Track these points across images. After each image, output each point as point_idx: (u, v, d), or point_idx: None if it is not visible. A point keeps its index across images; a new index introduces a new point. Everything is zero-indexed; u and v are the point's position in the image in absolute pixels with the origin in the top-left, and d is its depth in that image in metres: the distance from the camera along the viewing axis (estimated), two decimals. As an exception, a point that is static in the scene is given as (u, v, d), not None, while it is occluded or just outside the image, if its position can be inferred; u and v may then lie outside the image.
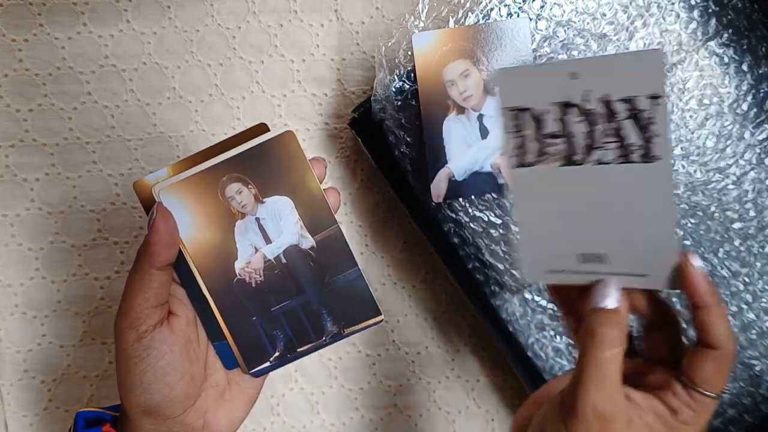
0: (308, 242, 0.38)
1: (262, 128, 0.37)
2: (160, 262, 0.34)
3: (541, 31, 0.49)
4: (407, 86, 0.49)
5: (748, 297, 0.50)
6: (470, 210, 0.50)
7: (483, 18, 0.49)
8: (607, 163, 0.31)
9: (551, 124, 0.32)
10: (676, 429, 0.32)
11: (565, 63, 0.32)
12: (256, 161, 0.37)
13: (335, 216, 0.38)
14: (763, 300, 0.50)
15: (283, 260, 0.38)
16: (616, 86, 0.30)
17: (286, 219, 0.37)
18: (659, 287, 0.33)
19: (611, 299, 0.32)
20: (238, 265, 0.37)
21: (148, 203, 0.37)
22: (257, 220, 0.37)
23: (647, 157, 0.31)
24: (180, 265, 0.37)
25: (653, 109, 0.30)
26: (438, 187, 0.49)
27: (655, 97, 0.30)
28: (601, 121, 0.31)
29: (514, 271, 0.51)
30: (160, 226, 0.34)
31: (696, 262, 0.32)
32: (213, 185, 0.36)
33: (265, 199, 0.37)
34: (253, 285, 0.37)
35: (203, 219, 0.37)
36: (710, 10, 0.50)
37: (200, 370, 0.37)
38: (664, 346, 0.36)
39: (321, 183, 0.38)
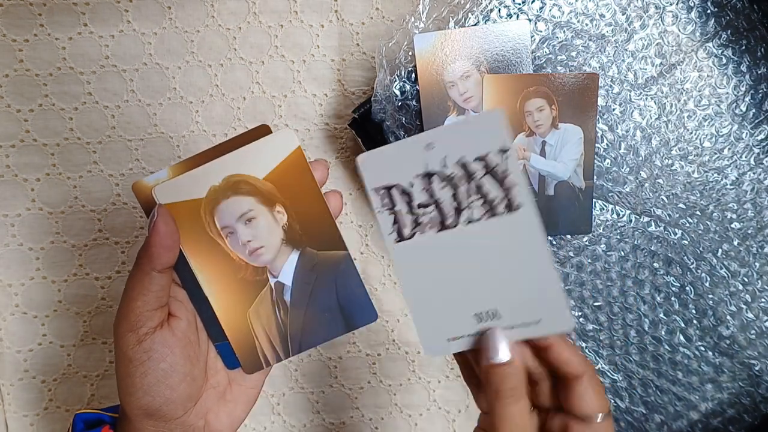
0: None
1: (264, 129, 0.37)
2: (161, 264, 0.34)
3: (541, 32, 0.49)
4: (407, 87, 0.49)
5: (747, 297, 0.51)
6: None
7: (483, 19, 0.49)
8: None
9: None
10: None
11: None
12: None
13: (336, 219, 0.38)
14: (762, 300, 0.51)
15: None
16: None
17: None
18: (555, 330, 0.33)
19: (503, 351, 0.33)
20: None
21: (148, 205, 0.36)
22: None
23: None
24: (181, 266, 0.37)
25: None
26: (438, 187, 0.49)
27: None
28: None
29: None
30: (160, 228, 0.34)
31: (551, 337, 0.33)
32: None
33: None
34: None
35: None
36: (709, 11, 0.50)
37: (201, 371, 0.37)
38: (547, 394, 0.36)
39: (322, 186, 0.38)
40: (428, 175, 0.33)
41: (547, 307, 0.33)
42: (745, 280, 0.51)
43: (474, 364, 0.36)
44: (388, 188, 0.34)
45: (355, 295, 0.39)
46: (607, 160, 0.50)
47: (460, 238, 0.33)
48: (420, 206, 0.34)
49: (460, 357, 0.37)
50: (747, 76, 0.50)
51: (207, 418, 0.37)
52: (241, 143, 0.37)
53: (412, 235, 0.34)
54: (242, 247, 0.37)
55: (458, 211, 0.33)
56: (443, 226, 0.34)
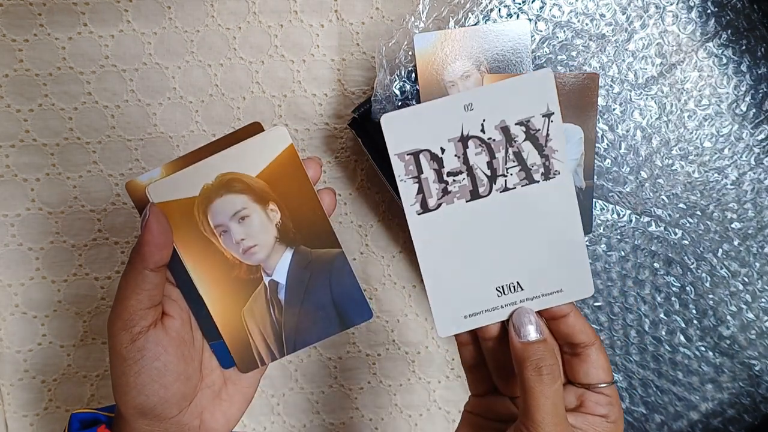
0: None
1: (256, 127, 0.37)
2: (154, 263, 0.34)
3: (541, 32, 0.49)
4: (407, 87, 0.49)
5: (748, 297, 0.51)
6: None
7: (483, 19, 0.49)
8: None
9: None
10: (614, 431, 0.34)
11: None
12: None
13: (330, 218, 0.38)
14: (762, 300, 0.51)
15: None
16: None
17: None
18: (577, 297, 0.33)
19: (536, 329, 0.33)
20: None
21: (142, 204, 0.36)
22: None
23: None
24: (175, 265, 0.36)
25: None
26: (438, 187, 0.49)
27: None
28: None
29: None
30: (153, 226, 0.34)
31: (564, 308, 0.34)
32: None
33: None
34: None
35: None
36: (709, 11, 0.50)
37: (195, 370, 0.37)
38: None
39: (315, 184, 0.37)
40: (464, 139, 0.31)
41: (570, 274, 0.32)
42: (746, 280, 0.51)
43: (482, 342, 0.36)
44: (416, 153, 0.32)
45: (350, 293, 0.39)
46: (608, 160, 0.50)
47: (490, 208, 0.32)
48: (450, 174, 0.32)
49: (462, 337, 0.37)
50: (747, 76, 0.50)
51: (202, 418, 0.37)
52: (234, 141, 0.36)
53: (438, 206, 0.33)
54: (236, 246, 0.37)
55: (492, 178, 0.32)
56: (474, 195, 0.32)
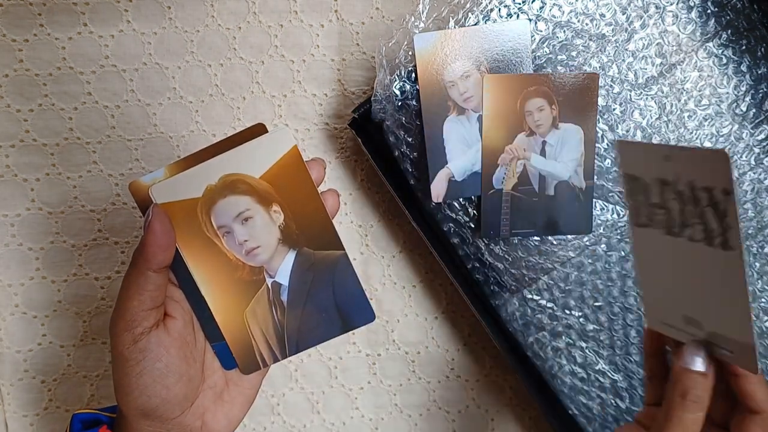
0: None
1: (260, 128, 0.37)
2: (156, 264, 0.34)
3: (541, 32, 0.49)
4: (407, 87, 0.49)
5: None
6: (470, 210, 0.50)
7: (483, 19, 0.49)
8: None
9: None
10: None
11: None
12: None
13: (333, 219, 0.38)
14: (763, 300, 0.51)
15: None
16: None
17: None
18: (742, 367, 0.34)
19: (700, 362, 0.34)
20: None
21: (145, 204, 0.36)
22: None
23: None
24: (177, 266, 0.36)
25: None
26: (438, 188, 0.49)
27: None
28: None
29: (513, 271, 0.51)
30: (156, 227, 0.34)
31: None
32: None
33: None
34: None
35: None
36: (709, 11, 0.50)
37: (198, 371, 0.37)
38: (715, 408, 0.36)
39: (318, 186, 0.37)
40: (663, 183, 0.34)
41: (738, 344, 0.34)
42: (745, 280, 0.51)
43: (664, 355, 0.38)
44: (634, 177, 0.35)
45: (353, 295, 0.38)
46: (608, 160, 0.50)
47: (680, 249, 0.34)
48: (654, 206, 0.35)
49: (649, 348, 0.39)
50: (747, 76, 0.50)
51: (204, 419, 0.37)
52: (238, 142, 0.36)
53: (645, 225, 0.36)
54: (239, 247, 0.37)
55: (683, 225, 0.34)
56: (669, 232, 0.35)
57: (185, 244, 0.36)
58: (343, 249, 0.38)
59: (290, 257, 0.38)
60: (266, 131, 0.37)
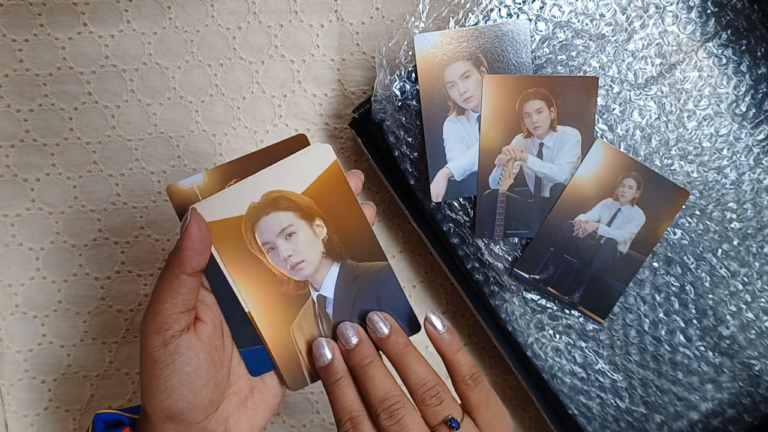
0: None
1: (301, 139, 0.37)
2: (191, 268, 0.34)
3: (541, 32, 0.49)
4: (407, 87, 0.49)
5: (747, 297, 0.51)
6: (470, 210, 0.50)
7: (483, 19, 0.49)
8: None
9: None
10: None
11: None
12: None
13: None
14: (762, 300, 0.51)
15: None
16: None
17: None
18: None
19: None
20: None
21: (181, 208, 0.36)
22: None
23: None
24: (210, 270, 0.36)
25: None
26: (438, 187, 0.49)
27: None
28: None
29: (515, 270, 0.51)
30: (193, 231, 0.34)
31: None
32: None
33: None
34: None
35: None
36: (709, 11, 0.50)
37: (224, 377, 0.37)
38: None
39: (357, 196, 0.38)
40: None
41: None
42: (745, 280, 0.51)
43: None
44: None
45: (397, 305, 0.39)
46: (607, 160, 0.50)
47: None
48: None
49: None
50: (747, 76, 0.50)
51: (227, 424, 0.37)
52: (278, 151, 0.36)
53: None
54: (284, 262, 0.37)
55: None
56: None
57: (230, 261, 0.36)
58: (386, 260, 0.38)
59: (334, 270, 0.38)
60: (308, 142, 0.37)
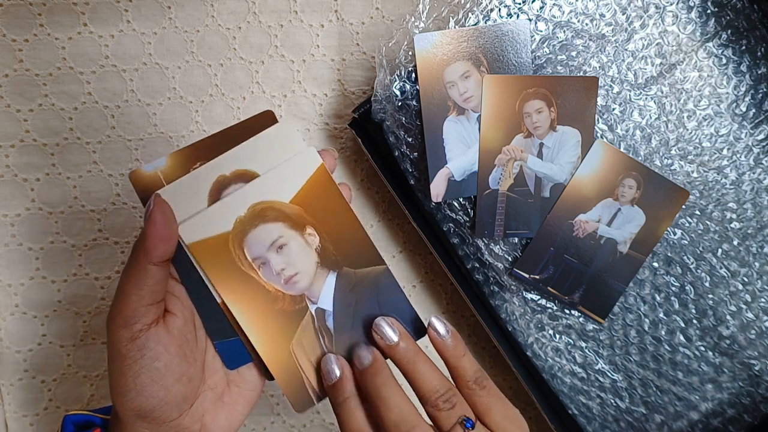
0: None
1: (268, 116, 0.35)
2: (158, 257, 0.32)
3: (541, 32, 0.49)
4: (407, 87, 0.49)
5: (747, 297, 0.51)
6: (470, 210, 0.50)
7: (483, 19, 0.49)
8: None
9: None
10: None
11: None
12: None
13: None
14: (762, 300, 0.51)
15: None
16: None
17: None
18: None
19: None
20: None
21: (146, 195, 0.35)
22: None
23: None
24: (179, 260, 0.35)
25: None
26: (437, 187, 0.49)
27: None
28: None
29: (515, 270, 0.51)
30: (157, 218, 0.32)
31: None
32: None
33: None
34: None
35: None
36: (709, 11, 0.50)
37: (198, 371, 0.35)
38: None
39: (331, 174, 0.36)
40: None
41: None
42: (745, 280, 0.51)
43: None
44: None
45: (400, 309, 0.37)
46: (607, 160, 0.50)
47: None
48: None
49: None
50: (747, 76, 0.50)
51: (203, 421, 0.35)
52: (242, 130, 0.35)
53: None
54: (277, 277, 0.35)
55: None
56: None
57: (220, 281, 0.35)
58: (384, 263, 0.37)
59: (331, 280, 0.36)
60: (275, 119, 0.35)
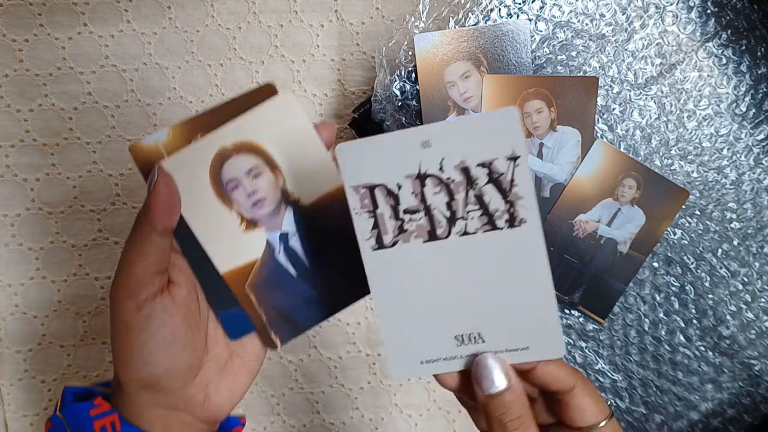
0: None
1: (269, 89, 0.35)
2: (162, 226, 0.32)
3: (541, 32, 0.49)
4: (407, 87, 0.49)
5: (747, 297, 0.51)
6: (470, 210, 0.50)
7: (483, 19, 0.49)
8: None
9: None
10: None
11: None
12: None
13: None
14: (762, 300, 0.51)
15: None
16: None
17: None
18: (546, 357, 0.30)
19: (498, 378, 0.30)
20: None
21: (146, 167, 0.35)
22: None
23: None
24: (181, 232, 0.35)
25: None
26: (438, 187, 0.49)
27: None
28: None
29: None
30: (161, 188, 0.32)
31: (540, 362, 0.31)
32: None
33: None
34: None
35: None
36: (709, 11, 0.50)
37: (202, 341, 0.35)
38: (543, 411, 0.34)
39: (330, 149, 0.36)
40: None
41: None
42: (745, 280, 0.51)
43: (459, 388, 0.33)
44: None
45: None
46: (607, 160, 0.50)
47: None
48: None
49: (445, 383, 0.34)
50: (747, 76, 0.50)
51: (207, 391, 0.35)
52: (245, 102, 0.35)
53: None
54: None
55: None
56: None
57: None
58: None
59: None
60: (275, 92, 0.35)
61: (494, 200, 0.29)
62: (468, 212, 0.29)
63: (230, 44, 0.54)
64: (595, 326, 0.51)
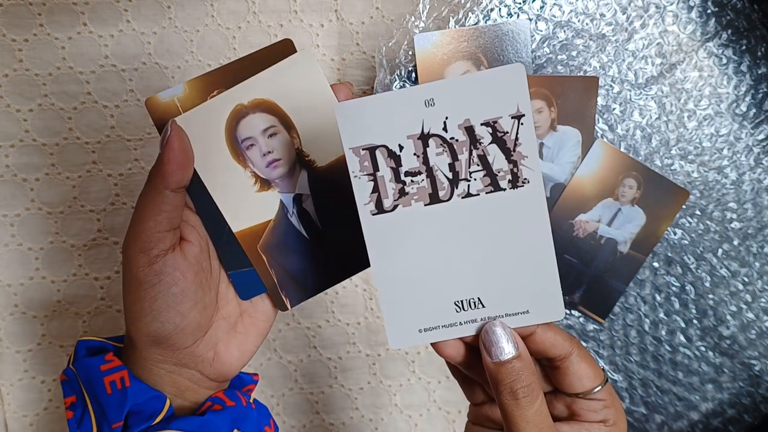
0: None
1: (287, 45, 0.35)
2: (175, 182, 0.32)
3: (541, 31, 0.49)
4: (407, 86, 0.49)
5: (747, 297, 0.51)
6: (470, 210, 0.50)
7: (483, 18, 0.49)
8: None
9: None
10: None
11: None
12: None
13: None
14: (762, 300, 0.51)
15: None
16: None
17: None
18: (546, 320, 0.30)
19: (508, 346, 0.30)
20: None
21: (162, 122, 0.34)
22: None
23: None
24: (194, 191, 0.35)
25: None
26: (438, 187, 0.49)
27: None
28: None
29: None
30: (174, 143, 0.32)
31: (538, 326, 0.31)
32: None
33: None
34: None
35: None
36: (709, 11, 0.50)
37: (212, 300, 0.35)
38: (541, 378, 0.34)
39: None
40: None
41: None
42: (746, 280, 0.51)
43: (456, 357, 0.33)
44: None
45: None
46: (608, 160, 0.50)
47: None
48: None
49: (441, 351, 0.34)
50: (747, 76, 0.50)
51: (216, 350, 0.35)
52: (263, 58, 0.35)
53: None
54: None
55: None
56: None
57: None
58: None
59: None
60: (294, 48, 0.35)
61: (498, 160, 0.28)
62: (471, 173, 0.29)
63: (230, 44, 0.54)
64: (595, 326, 0.51)
